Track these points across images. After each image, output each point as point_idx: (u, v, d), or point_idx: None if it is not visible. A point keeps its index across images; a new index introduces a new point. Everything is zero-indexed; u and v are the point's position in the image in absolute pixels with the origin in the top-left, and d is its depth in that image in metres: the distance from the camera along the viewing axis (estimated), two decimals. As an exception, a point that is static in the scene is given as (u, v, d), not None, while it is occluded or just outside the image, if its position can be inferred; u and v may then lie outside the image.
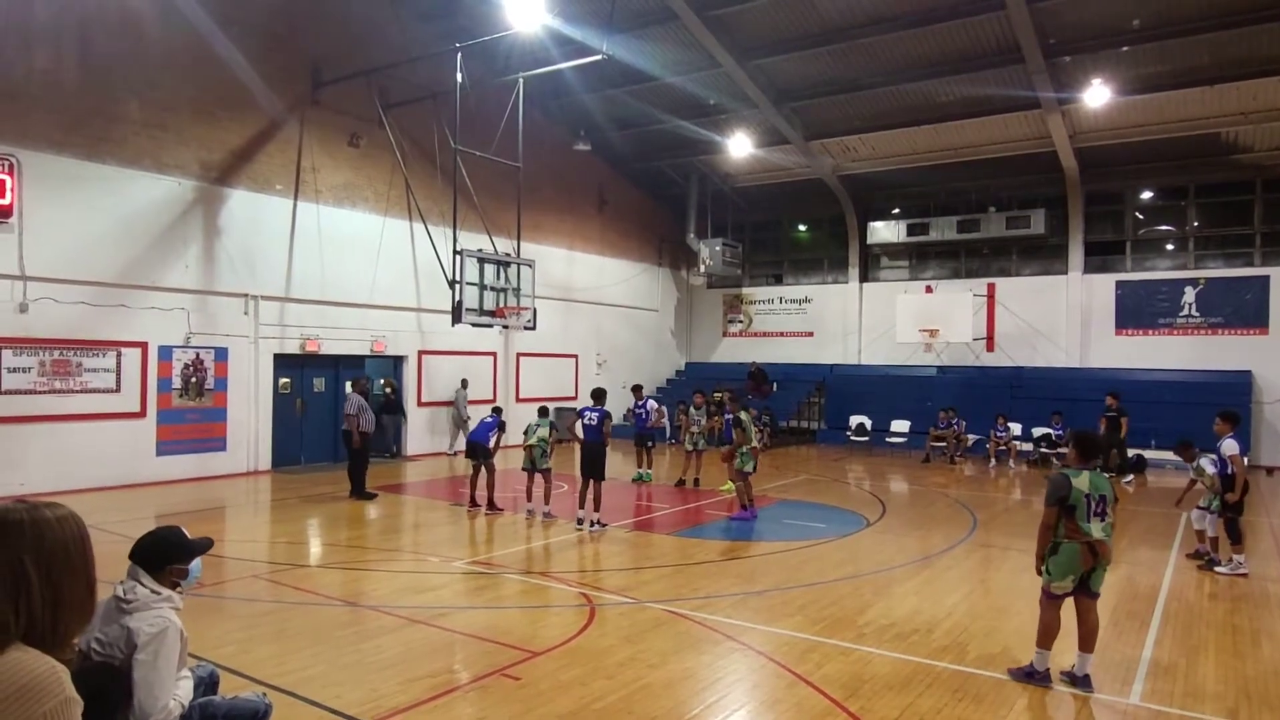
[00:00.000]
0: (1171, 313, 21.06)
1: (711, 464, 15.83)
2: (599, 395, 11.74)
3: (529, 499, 11.91)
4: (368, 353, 17.98)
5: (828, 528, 11.44)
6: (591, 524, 11.02)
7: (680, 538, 10.81)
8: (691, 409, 15.48)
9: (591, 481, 11.11)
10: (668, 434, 22.01)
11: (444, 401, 19.57)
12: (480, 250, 16.54)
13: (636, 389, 16.38)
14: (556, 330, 22.42)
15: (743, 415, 12.11)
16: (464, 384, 20.03)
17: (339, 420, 17.16)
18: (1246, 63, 17.09)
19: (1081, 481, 5.74)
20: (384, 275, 18.16)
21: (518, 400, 21.44)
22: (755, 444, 12.09)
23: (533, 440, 11.76)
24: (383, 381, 18.49)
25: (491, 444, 12.25)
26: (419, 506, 13.07)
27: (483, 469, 12.38)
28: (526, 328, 17.11)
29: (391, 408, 18.41)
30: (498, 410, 13.31)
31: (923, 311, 22.92)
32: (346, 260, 17.41)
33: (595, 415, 11.31)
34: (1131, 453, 17.46)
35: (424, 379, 19.20)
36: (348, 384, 15.65)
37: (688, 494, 14.39)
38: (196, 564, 3.71)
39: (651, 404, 15.94)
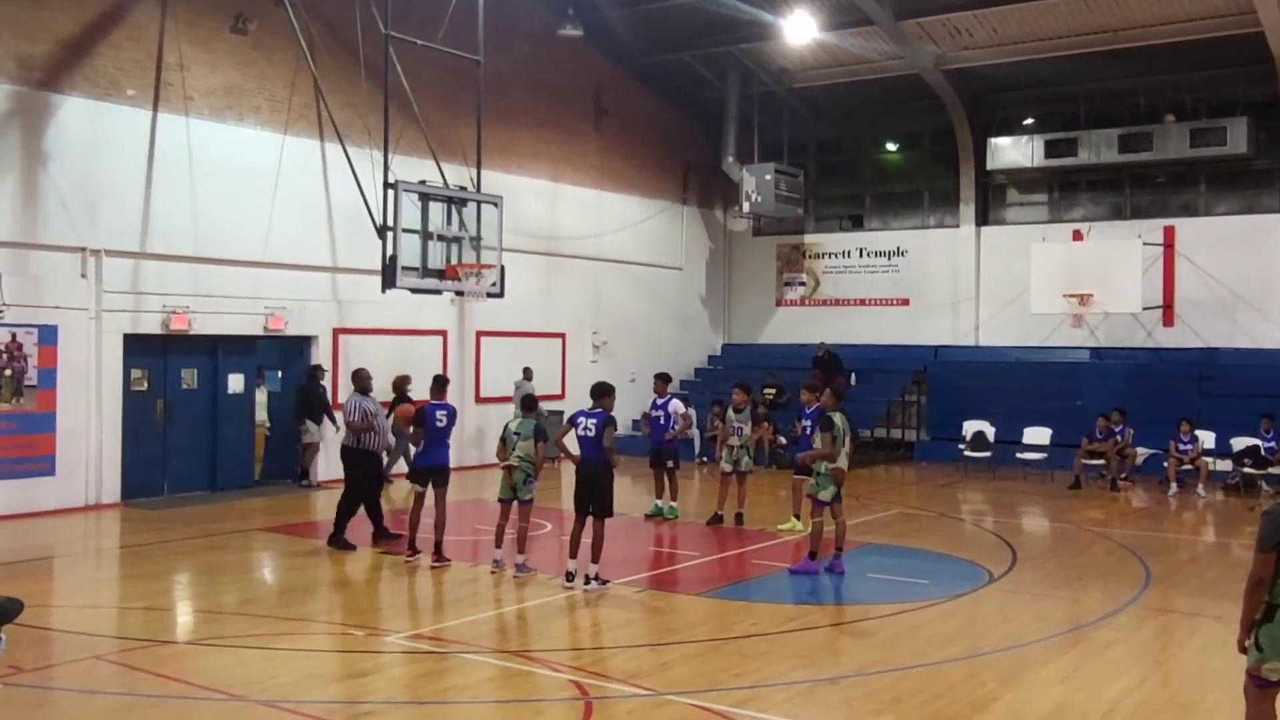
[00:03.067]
0: None
1: (759, 490, 15.79)
2: (602, 392, 11.58)
3: (498, 544, 11.84)
4: (260, 331, 18.00)
5: (932, 584, 11.53)
6: (587, 580, 11.00)
7: (716, 599, 10.89)
8: (730, 412, 15.38)
9: (590, 519, 11.10)
10: (697, 448, 21.95)
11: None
12: (424, 182, 16.46)
13: (661, 379, 16.15)
14: (534, 298, 22.40)
15: (835, 416, 12.03)
16: (527, 374, 20.64)
17: (216, 431, 17.18)
18: None
19: (1311, 519, 5.72)
20: (284, 220, 18.14)
21: (478, 401, 21.46)
22: (842, 463, 12.01)
23: (514, 458, 11.69)
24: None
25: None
26: (334, 555, 13.08)
27: (423, 498, 12.45)
28: (490, 294, 17.07)
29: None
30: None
31: (1070, 268, 22.67)
32: (230, 199, 17.38)
33: (594, 423, 11.23)
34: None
35: (342, 369, 19.09)
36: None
37: (726, 536, 14.41)
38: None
39: (675, 404, 15.79)
